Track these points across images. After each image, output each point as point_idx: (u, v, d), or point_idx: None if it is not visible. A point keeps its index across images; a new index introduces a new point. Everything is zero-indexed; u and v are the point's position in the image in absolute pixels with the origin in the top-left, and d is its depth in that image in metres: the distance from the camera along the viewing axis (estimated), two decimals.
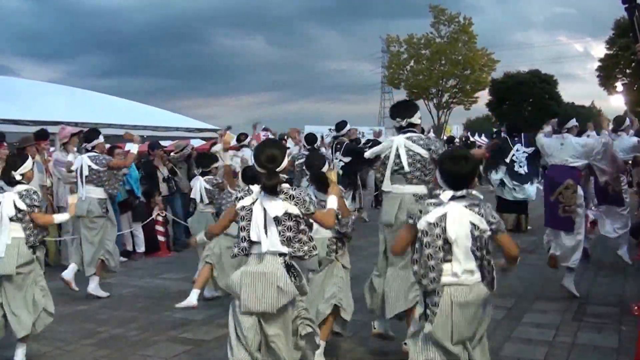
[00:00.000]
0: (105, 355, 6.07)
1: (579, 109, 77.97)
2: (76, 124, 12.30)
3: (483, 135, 48.05)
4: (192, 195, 8.64)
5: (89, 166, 8.56)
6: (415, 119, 5.75)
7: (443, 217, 3.78)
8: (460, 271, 3.73)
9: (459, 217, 3.76)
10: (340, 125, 12.25)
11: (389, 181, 5.62)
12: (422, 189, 5.52)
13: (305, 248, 4.22)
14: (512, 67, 75.94)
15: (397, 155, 5.58)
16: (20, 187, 5.83)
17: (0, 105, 12.71)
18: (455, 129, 51.95)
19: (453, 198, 3.81)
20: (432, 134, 15.71)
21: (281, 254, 4.13)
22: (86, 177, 8.56)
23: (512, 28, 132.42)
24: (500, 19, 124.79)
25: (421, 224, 3.82)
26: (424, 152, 5.51)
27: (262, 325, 4.12)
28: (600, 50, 64.51)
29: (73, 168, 8.89)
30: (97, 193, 8.60)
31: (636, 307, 6.83)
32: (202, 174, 8.59)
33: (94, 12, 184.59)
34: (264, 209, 4.15)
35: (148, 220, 11.87)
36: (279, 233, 4.13)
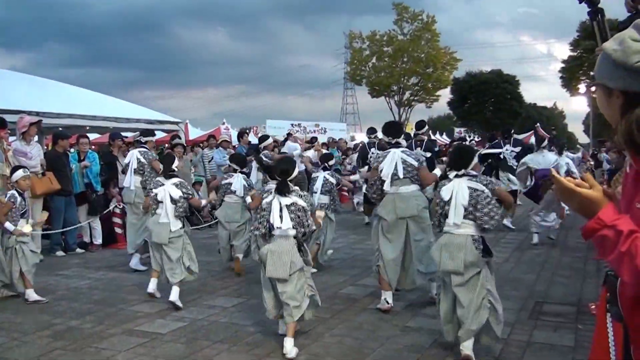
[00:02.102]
0: (61, 347, 6.03)
1: (541, 110, 79.11)
2: (37, 114, 12.13)
3: (444, 134, 48.48)
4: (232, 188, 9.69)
5: (138, 159, 9.85)
6: (401, 139, 7.65)
7: (450, 188, 5.65)
8: (451, 223, 5.59)
9: (458, 186, 5.61)
10: (421, 124, 13.51)
11: (388, 184, 7.29)
12: (413, 188, 7.28)
13: (307, 231, 6.06)
14: (474, 66, 76.74)
15: (395, 165, 7.29)
16: (175, 180, 7.90)
17: None
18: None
19: (456, 176, 5.70)
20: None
21: (294, 237, 5.95)
22: (134, 169, 9.82)
23: (475, 27, 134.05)
24: (464, 17, 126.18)
25: (438, 196, 5.75)
26: (415, 163, 7.29)
27: (279, 285, 5.93)
28: (563, 51, 65.54)
29: (126, 160, 10.09)
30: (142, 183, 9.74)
31: (593, 307, 6.96)
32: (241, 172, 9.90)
33: (58, 1, 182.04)
34: (279, 202, 5.97)
35: (105, 211, 11.78)
36: (290, 219, 5.92)
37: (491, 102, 62.32)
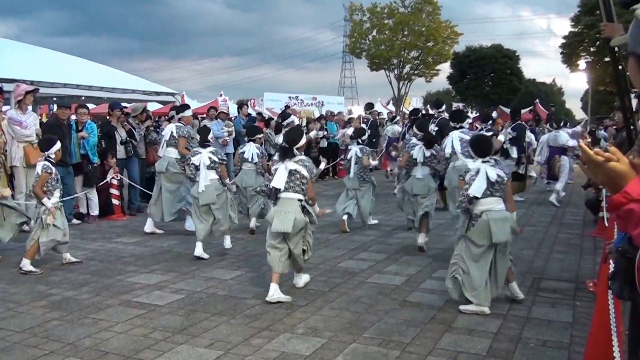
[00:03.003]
0: (56, 317, 5.98)
1: (540, 86, 78.84)
2: (32, 82, 11.99)
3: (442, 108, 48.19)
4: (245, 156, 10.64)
5: (172, 132, 10.39)
6: (464, 124, 10.18)
7: (476, 172, 6.41)
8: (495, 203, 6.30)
9: (482, 171, 6.34)
10: (439, 103, 14.75)
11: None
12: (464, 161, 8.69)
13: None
14: (474, 41, 76.56)
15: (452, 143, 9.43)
16: (210, 148, 8.92)
17: None
18: (415, 101, 52.13)
19: (482, 162, 6.48)
20: (391, 106, 16.77)
21: (298, 200, 6.77)
22: (166, 141, 10.40)
23: (476, 1, 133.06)
24: None
25: (466, 177, 6.51)
26: (466, 137, 9.01)
27: (286, 238, 6.72)
28: (563, 27, 65.25)
29: (163, 133, 10.63)
30: (174, 154, 10.27)
31: (591, 284, 6.93)
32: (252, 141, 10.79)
33: None
34: (285, 167, 6.79)
35: (103, 183, 11.70)
36: (292, 181, 6.76)
37: (490, 77, 62.10)
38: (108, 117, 13.01)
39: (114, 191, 12.15)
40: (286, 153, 6.89)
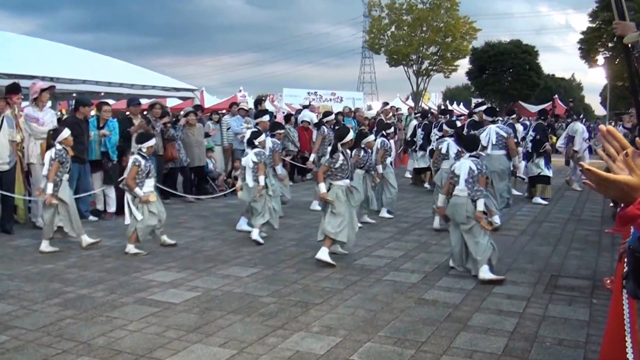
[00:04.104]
0: (71, 315, 5.97)
1: (560, 81, 78.27)
2: (51, 79, 12.06)
3: (462, 104, 48.14)
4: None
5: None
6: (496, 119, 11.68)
7: (459, 165, 7.69)
8: (458, 191, 7.51)
9: (465, 165, 7.58)
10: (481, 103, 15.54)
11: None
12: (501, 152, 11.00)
13: None
14: (493, 36, 76.17)
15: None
16: (256, 150, 9.53)
17: None
18: (434, 97, 51.97)
19: (468, 157, 7.71)
20: (410, 101, 16.79)
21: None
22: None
23: None
24: None
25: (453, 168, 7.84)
26: (505, 134, 10.99)
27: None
28: (581, 22, 64.75)
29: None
30: None
31: (609, 282, 6.84)
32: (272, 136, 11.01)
33: None
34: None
35: (121, 179, 11.70)
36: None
37: (509, 73, 61.67)
38: (126, 113, 13.02)
39: None
40: (334, 148, 8.26)
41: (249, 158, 9.57)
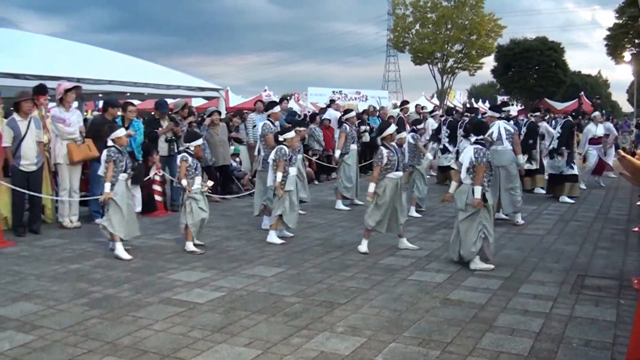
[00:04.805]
0: (97, 315, 6.01)
1: (586, 78, 77.42)
2: (77, 80, 12.14)
3: (487, 101, 47.83)
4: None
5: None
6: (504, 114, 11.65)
7: (464, 153, 7.99)
8: (463, 177, 7.81)
9: (468, 153, 7.80)
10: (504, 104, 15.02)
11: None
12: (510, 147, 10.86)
13: None
14: (518, 33, 75.59)
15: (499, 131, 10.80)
16: (278, 146, 9.45)
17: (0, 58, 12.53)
18: (459, 95, 51.71)
19: (473, 142, 7.97)
20: (435, 100, 16.83)
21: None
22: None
23: None
24: None
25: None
26: (512, 129, 11.00)
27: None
28: (608, 18, 64.06)
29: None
30: (262, 151, 10.52)
31: (636, 281, 6.77)
32: None
33: None
34: None
35: (146, 179, 11.76)
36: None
37: (535, 70, 61.06)
38: (152, 113, 13.06)
39: (156, 187, 12.23)
40: (374, 143, 8.57)
41: (270, 155, 9.63)
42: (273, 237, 9.41)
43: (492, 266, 7.67)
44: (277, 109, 10.91)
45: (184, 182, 8.83)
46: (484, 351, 4.99)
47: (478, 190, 7.61)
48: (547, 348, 5.06)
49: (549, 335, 5.35)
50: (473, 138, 8.09)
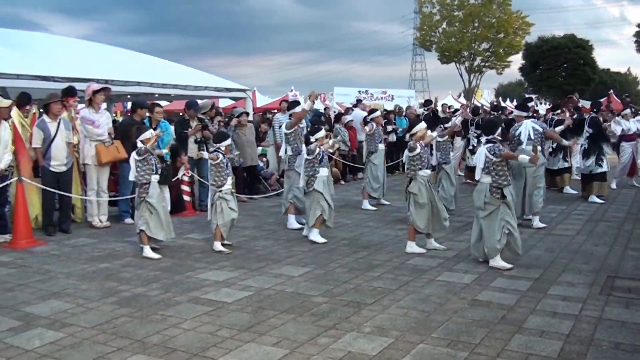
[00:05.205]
0: (126, 314, 6.07)
1: (615, 76, 76.55)
2: (106, 82, 12.26)
3: (515, 100, 47.49)
4: None
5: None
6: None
7: (477, 154, 8.05)
8: (478, 177, 7.89)
9: (481, 154, 7.81)
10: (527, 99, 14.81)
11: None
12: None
13: None
14: (546, 31, 75.00)
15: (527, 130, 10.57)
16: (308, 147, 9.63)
17: (29, 61, 12.69)
18: (487, 94, 51.39)
19: (484, 142, 7.91)
20: (462, 99, 16.63)
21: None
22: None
23: None
24: None
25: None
26: (541, 128, 10.72)
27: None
28: (637, 14, 63.33)
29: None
30: (289, 150, 10.70)
31: None
32: None
33: None
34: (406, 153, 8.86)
35: (174, 179, 11.83)
36: None
37: (563, 68, 60.58)
38: (182, 114, 13.13)
39: (185, 188, 12.31)
40: (401, 143, 8.80)
41: (303, 154, 9.73)
42: (316, 236, 9.43)
43: (510, 265, 7.65)
44: (299, 108, 10.92)
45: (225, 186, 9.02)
46: (513, 353, 4.95)
47: (522, 156, 8.01)
48: (577, 350, 5.02)
49: (578, 338, 5.30)
50: (484, 138, 8.09)
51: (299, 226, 10.47)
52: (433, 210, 8.73)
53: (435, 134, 11.28)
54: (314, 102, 11.45)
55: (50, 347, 5.20)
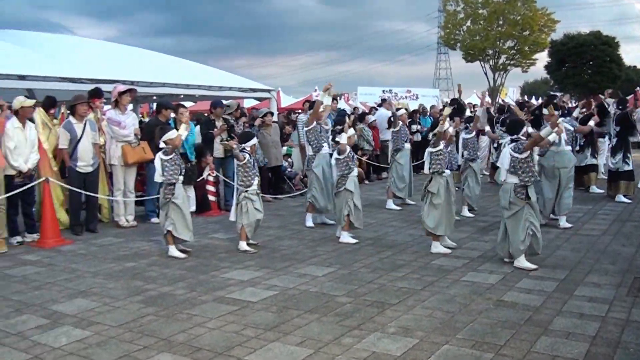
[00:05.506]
0: (152, 312, 6.12)
1: None
2: (131, 83, 12.34)
3: (540, 98, 47.11)
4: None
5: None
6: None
7: (502, 156, 7.99)
8: (503, 178, 7.86)
9: (506, 155, 7.80)
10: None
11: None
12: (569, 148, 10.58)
13: None
14: (572, 27, 74.16)
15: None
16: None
17: (56, 64, 12.80)
18: (512, 92, 51.04)
19: (509, 142, 7.89)
20: (487, 98, 16.58)
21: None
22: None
23: None
24: None
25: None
26: (572, 128, 10.97)
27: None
28: None
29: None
30: (309, 149, 10.87)
31: None
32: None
33: None
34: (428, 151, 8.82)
35: (200, 179, 11.90)
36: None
37: (589, 66, 59.94)
38: (207, 114, 13.19)
39: (210, 188, 12.37)
40: (426, 142, 8.98)
41: (334, 154, 9.74)
42: (346, 238, 9.46)
43: (535, 266, 7.61)
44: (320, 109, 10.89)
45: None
46: (539, 355, 4.92)
47: (546, 131, 7.96)
48: (603, 353, 4.98)
49: (605, 340, 5.25)
50: (508, 138, 8.12)
51: (313, 225, 10.75)
52: (446, 213, 8.68)
53: (451, 129, 11.30)
54: (330, 95, 11.42)
55: (77, 345, 5.26)
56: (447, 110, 9.14)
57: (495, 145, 16.18)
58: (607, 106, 14.42)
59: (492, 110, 19.65)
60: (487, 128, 13.85)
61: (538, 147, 8.18)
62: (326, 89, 10.92)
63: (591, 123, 11.95)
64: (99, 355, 5.04)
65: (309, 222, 10.84)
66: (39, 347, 5.25)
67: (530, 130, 10.78)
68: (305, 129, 10.77)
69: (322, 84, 13.28)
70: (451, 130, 10.17)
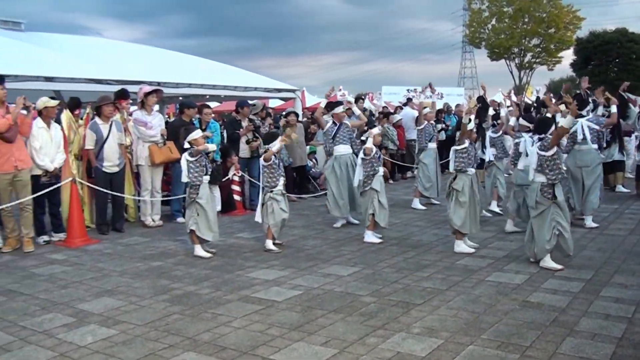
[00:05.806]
0: (177, 311, 6.16)
1: None
2: (158, 84, 12.44)
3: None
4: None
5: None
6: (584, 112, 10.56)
7: (530, 155, 8.06)
8: (531, 178, 7.77)
9: (533, 154, 7.75)
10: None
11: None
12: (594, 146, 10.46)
13: None
14: (597, 24, 73.35)
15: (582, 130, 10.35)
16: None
17: (83, 65, 12.94)
18: (537, 91, 50.67)
19: (537, 142, 7.77)
20: (513, 97, 16.45)
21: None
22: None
23: None
24: None
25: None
26: (596, 126, 10.49)
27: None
28: None
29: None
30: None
31: None
32: None
33: None
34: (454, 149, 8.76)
35: (225, 179, 11.94)
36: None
37: (615, 63, 59.28)
38: (234, 114, 13.23)
39: (235, 187, 12.42)
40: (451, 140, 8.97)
41: (360, 154, 9.73)
42: (370, 238, 9.46)
43: (560, 266, 7.54)
44: (339, 109, 10.92)
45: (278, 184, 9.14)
46: (564, 356, 4.89)
47: (561, 120, 7.67)
48: (630, 354, 4.93)
49: (631, 342, 5.20)
50: (535, 137, 7.99)
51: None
52: (471, 211, 8.66)
53: (488, 132, 11.50)
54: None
55: (103, 344, 5.31)
56: (473, 102, 9.13)
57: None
58: (625, 98, 14.23)
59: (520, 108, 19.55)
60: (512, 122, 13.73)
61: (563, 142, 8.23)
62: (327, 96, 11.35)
63: (613, 109, 11.62)
64: (125, 353, 5.09)
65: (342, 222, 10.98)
66: (65, 345, 5.31)
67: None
68: (321, 131, 10.84)
69: (346, 83, 13.32)
70: (488, 132, 10.20)
